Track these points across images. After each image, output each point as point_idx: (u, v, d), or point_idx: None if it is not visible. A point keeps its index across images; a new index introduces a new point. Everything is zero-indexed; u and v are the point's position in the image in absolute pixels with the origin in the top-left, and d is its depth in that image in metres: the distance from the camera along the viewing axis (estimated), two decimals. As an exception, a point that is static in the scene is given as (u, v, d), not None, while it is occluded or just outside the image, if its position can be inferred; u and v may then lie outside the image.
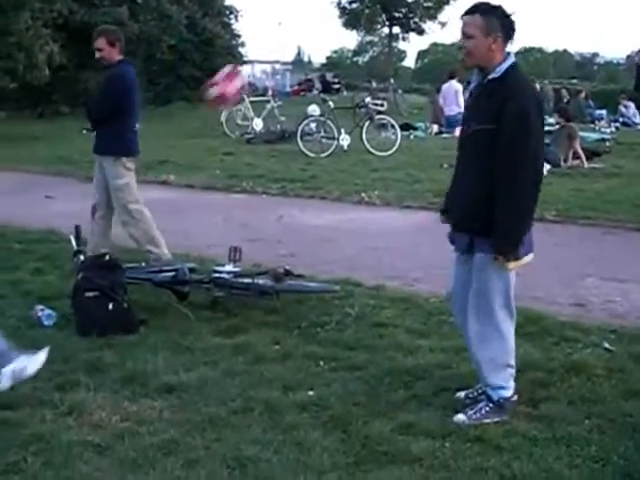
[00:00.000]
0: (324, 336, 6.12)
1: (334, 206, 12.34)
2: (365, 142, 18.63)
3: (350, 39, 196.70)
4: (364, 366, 5.48)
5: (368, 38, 65.91)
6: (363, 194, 12.79)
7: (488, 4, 4.57)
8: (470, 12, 4.56)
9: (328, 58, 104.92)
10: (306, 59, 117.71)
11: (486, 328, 4.74)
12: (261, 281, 6.81)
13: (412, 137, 22.81)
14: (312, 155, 17.98)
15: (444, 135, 23.62)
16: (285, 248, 9.14)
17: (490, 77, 4.54)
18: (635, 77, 24.14)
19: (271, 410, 4.79)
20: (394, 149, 18.48)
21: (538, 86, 27.68)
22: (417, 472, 4.10)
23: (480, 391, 4.91)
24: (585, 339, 5.98)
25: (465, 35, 4.56)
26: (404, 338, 6.04)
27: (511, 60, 4.56)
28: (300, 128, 18.88)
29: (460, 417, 4.69)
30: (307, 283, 7.05)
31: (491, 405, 4.75)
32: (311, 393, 5.05)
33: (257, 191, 13.75)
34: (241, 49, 49.00)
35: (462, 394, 4.99)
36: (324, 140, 18.82)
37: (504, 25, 4.55)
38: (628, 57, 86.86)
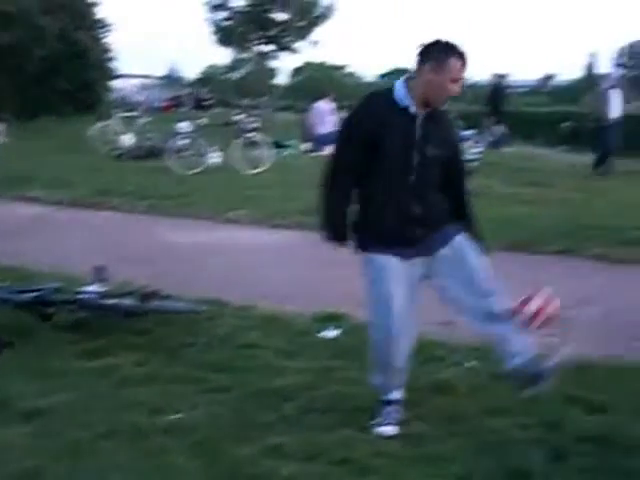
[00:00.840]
0: (191, 358, 6.05)
1: (204, 224, 12.24)
2: (235, 160, 18.60)
3: (223, 55, 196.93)
4: (231, 388, 5.44)
5: (241, 55, 65.85)
6: (232, 213, 12.75)
7: None
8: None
9: (201, 74, 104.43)
10: (179, 74, 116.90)
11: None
12: (127, 301, 6.71)
13: (283, 155, 22.87)
14: (182, 172, 17.84)
15: (314, 154, 23.77)
16: (153, 267, 9.03)
17: (439, 109, 4.84)
18: (492, 99, 24.79)
19: (136, 434, 4.71)
20: (265, 167, 18.53)
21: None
22: (284, 495, 4.09)
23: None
24: (450, 358, 6.08)
25: (461, 79, 4.76)
26: (271, 359, 6.03)
27: None
28: (170, 145, 18.75)
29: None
30: (174, 303, 6.96)
31: None
32: (177, 416, 4.99)
33: (125, 208, 13.56)
34: (113, 63, 48.36)
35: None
36: (194, 157, 18.71)
37: None
38: (494, 78, 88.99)
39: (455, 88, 4.72)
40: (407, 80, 4.80)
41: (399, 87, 4.79)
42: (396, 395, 5.04)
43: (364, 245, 4.94)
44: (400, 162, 4.76)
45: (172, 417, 4.97)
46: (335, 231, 4.99)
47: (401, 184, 4.78)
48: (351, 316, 7.04)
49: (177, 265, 9.38)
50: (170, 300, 6.97)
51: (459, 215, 5.01)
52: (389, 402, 5.01)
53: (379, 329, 4.90)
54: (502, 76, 24.94)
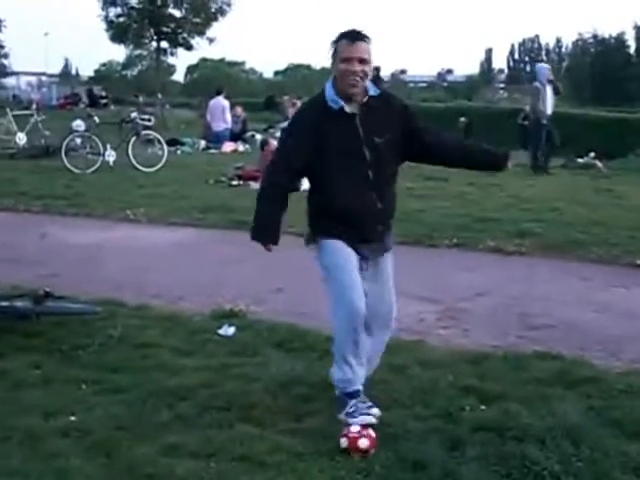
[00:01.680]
0: (86, 359, 5.96)
1: (99, 224, 12.09)
2: (131, 158, 18.43)
3: (119, 52, 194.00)
4: (127, 388, 5.37)
5: (137, 52, 65.16)
6: (128, 211, 12.63)
7: None
8: (362, 38, 4.74)
9: (96, 71, 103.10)
10: (74, 72, 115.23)
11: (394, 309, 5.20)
12: (20, 303, 6.57)
13: (179, 152, 22.77)
14: (77, 171, 17.63)
15: (211, 150, 23.74)
16: (47, 268, 8.86)
17: (370, 94, 4.83)
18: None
19: (31, 438, 4.62)
20: (160, 165, 18.45)
21: (298, 102, 28.24)
22: (182, 494, 4.06)
23: None
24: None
25: (362, 60, 4.72)
26: (168, 358, 5.98)
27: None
28: (65, 143, 18.49)
29: (375, 410, 4.95)
30: (69, 304, 6.85)
31: None
32: (73, 418, 4.91)
33: (19, 209, 13.31)
34: (5, 60, 47.56)
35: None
36: (89, 156, 18.52)
37: None
38: (392, 75, 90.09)
39: (350, 67, 4.70)
40: (334, 79, 4.84)
41: (328, 89, 4.84)
42: (357, 387, 5.01)
43: (317, 234, 5.00)
44: (354, 162, 4.83)
45: (69, 419, 4.89)
46: (263, 231, 4.98)
47: (360, 183, 4.85)
48: (248, 312, 7.06)
49: (71, 266, 9.24)
50: (64, 301, 6.86)
51: (468, 154, 5.21)
52: (351, 394, 4.98)
53: (349, 313, 4.82)
54: (377, 68, 25.05)
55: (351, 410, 4.88)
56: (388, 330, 5.23)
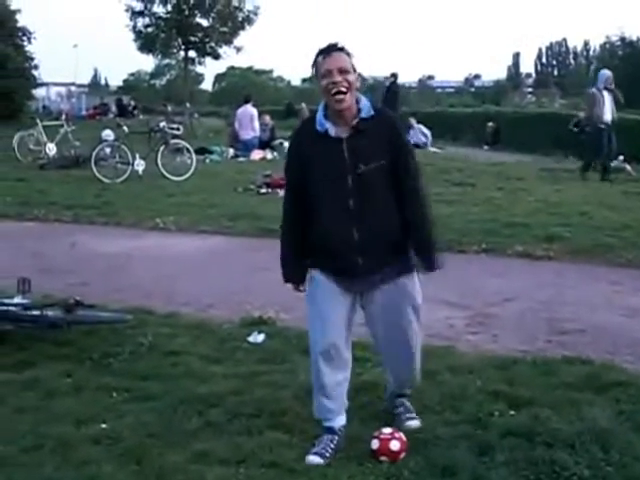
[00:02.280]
0: (117, 367, 6.01)
1: (128, 232, 12.18)
2: (160, 167, 18.53)
3: (147, 62, 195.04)
4: (158, 396, 5.42)
5: (165, 61, 65.41)
6: (158, 220, 12.71)
7: None
8: (336, 50, 4.51)
9: (125, 81, 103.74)
10: (103, 82, 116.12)
11: (416, 337, 4.92)
12: (51, 312, 6.63)
13: (208, 161, 22.83)
14: (107, 181, 17.74)
15: (240, 159, 23.80)
16: (77, 277, 8.94)
17: (361, 117, 4.55)
18: (383, 100, 24.20)
19: (63, 446, 4.67)
20: (189, 173, 18.51)
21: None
22: (212, 500, 4.09)
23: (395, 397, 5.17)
24: (375, 358, 6.08)
25: (343, 70, 4.46)
26: (198, 366, 6.01)
27: (364, 99, 4.63)
28: (94, 153, 18.59)
29: (415, 422, 4.98)
30: (99, 313, 6.90)
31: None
32: (104, 426, 4.95)
33: (49, 219, 13.41)
34: (35, 71, 47.80)
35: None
36: (119, 165, 18.62)
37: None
38: (420, 81, 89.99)
39: (330, 79, 4.44)
40: (325, 102, 4.62)
41: (320, 109, 4.64)
42: (334, 423, 4.84)
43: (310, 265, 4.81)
44: (335, 188, 4.56)
45: (100, 427, 4.93)
46: (286, 272, 4.90)
47: (339, 212, 4.57)
48: (277, 320, 7.09)
49: (101, 274, 9.30)
50: (94, 310, 6.91)
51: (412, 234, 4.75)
52: (329, 429, 4.82)
53: (314, 344, 4.79)
54: (394, 75, 24.90)
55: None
56: (403, 372, 5.09)
